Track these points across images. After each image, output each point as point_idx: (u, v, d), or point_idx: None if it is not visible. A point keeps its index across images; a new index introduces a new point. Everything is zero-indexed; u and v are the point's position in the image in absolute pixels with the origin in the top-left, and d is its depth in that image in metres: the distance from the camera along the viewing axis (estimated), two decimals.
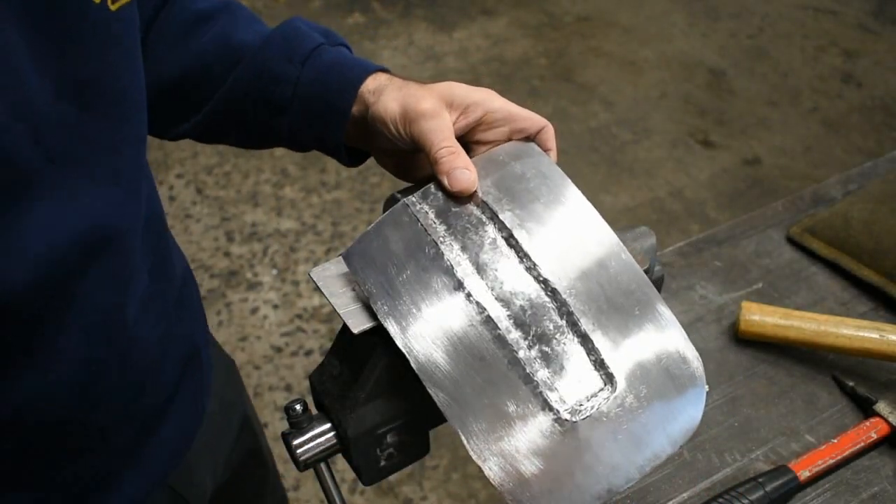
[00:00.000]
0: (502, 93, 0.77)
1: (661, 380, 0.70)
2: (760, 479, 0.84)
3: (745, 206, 2.75)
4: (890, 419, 0.89)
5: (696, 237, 1.15)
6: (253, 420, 1.09)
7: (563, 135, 3.07)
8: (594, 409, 0.68)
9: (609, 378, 0.69)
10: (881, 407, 0.90)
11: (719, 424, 0.92)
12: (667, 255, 1.12)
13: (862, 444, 0.88)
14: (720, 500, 0.83)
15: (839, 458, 0.87)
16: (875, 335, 0.94)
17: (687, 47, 3.53)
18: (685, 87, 3.31)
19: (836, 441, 0.88)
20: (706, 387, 0.71)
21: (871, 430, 0.89)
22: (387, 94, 0.73)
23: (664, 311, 0.72)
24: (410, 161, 0.81)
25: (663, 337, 0.71)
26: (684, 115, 3.19)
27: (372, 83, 0.75)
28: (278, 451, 2.13)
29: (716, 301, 1.06)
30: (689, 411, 0.70)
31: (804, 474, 0.85)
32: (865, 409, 0.92)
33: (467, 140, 0.76)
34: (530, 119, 0.77)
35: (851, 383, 0.95)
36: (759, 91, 3.29)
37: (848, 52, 3.49)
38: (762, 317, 0.98)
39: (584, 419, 0.67)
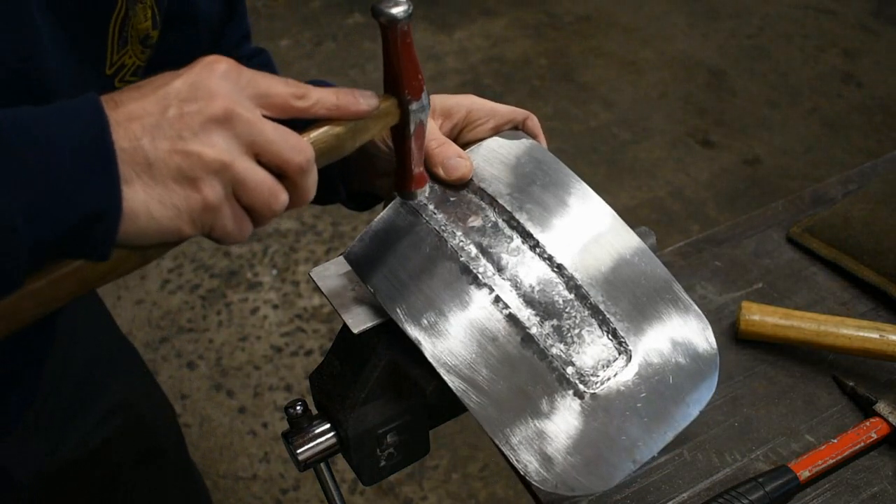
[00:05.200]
0: (502, 93, 0.78)
1: (674, 346, 0.70)
2: (760, 479, 0.84)
3: (745, 206, 2.74)
4: (890, 419, 0.89)
5: (696, 237, 1.15)
6: (150, 415, 1.09)
7: (563, 135, 3.07)
8: (611, 380, 0.68)
9: (623, 347, 0.69)
10: (881, 407, 0.90)
11: (719, 424, 0.92)
12: (667, 255, 1.12)
13: (862, 444, 0.88)
14: (720, 500, 0.83)
15: (839, 458, 0.87)
16: (875, 335, 0.94)
17: (687, 47, 3.53)
18: (685, 87, 3.31)
19: (836, 441, 0.88)
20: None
21: (871, 430, 0.89)
22: None
23: (668, 277, 0.73)
24: None
25: (671, 304, 0.72)
26: (684, 115, 3.19)
27: None
28: (278, 450, 2.14)
29: (716, 301, 1.06)
30: (705, 376, 0.70)
31: (804, 474, 0.85)
32: (865, 409, 0.92)
33: (457, 143, 0.77)
34: (513, 111, 0.79)
35: (851, 383, 0.95)
36: (759, 91, 3.29)
37: (848, 52, 3.49)
38: (762, 317, 0.98)
39: (602, 391, 0.68)
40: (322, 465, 0.75)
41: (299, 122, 0.57)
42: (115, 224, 0.48)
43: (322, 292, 0.73)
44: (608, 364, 0.69)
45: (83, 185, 0.47)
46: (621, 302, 0.71)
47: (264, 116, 0.54)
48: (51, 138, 0.47)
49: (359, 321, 0.71)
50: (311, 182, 0.57)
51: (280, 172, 0.55)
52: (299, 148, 0.55)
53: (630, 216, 2.80)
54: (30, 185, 0.45)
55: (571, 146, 3.02)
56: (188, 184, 0.50)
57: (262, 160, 0.54)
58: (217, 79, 0.52)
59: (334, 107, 0.59)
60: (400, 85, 0.63)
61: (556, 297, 0.70)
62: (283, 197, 0.55)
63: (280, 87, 0.55)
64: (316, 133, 0.59)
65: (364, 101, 0.60)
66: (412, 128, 0.66)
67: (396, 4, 0.59)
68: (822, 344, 0.96)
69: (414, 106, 0.64)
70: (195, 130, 0.50)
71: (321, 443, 0.73)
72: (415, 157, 0.69)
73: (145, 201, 0.49)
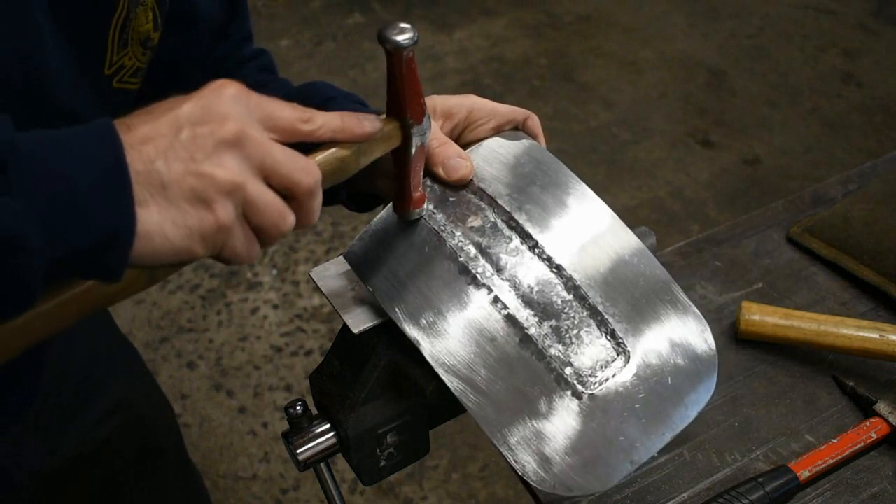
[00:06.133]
0: (502, 93, 0.78)
1: (672, 347, 0.70)
2: (760, 479, 0.84)
3: (745, 206, 2.74)
4: (890, 419, 0.89)
5: (696, 237, 1.15)
6: (150, 414, 1.10)
7: (563, 135, 3.07)
8: (609, 381, 0.68)
9: (621, 348, 0.69)
10: (881, 407, 0.90)
11: (719, 424, 0.92)
12: (667, 255, 1.12)
13: (862, 444, 0.88)
14: (720, 500, 0.83)
15: (839, 458, 0.87)
16: (875, 335, 0.94)
17: (687, 47, 3.53)
18: (685, 87, 3.31)
19: (836, 441, 0.88)
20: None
21: (871, 430, 0.89)
22: None
23: (667, 278, 0.73)
24: None
25: (670, 305, 0.72)
26: (684, 115, 3.18)
27: None
28: (278, 450, 2.14)
29: (716, 301, 1.06)
30: (703, 377, 0.70)
31: (804, 474, 0.85)
32: (865, 409, 0.92)
33: (458, 143, 0.77)
34: (514, 111, 0.79)
35: (851, 383, 0.95)
36: (759, 91, 3.29)
37: (848, 52, 3.49)
38: (762, 317, 0.98)
39: (600, 391, 0.67)
40: (322, 465, 0.75)
41: (303, 146, 0.58)
42: (129, 245, 0.49)
43: (322, 292, 0.73)
44: (606, 365, 0.69)
45: (99, 207, 0.47)
46: (620, 303, 0.71)
47: (272, 140, 0.55)
48: (67, 163, 0.47)
49: (359, 321, 0.71)
50: (318, 204, 0.58)
51: (288, 194, 0.55)
52: (307, 170, 0.55)
53: (630, 216, 2.81)
54: (47, 209, 0.46)
55: (571, 146, 3.02)
56: (202, 205, 0.51)
57: (271, 182, 0.54)
58: (227, 102, 0.53)
59: (339, 129, 0.60)
60: (403, 109, 0.65)
61: (555, 298, 0.70)
62: (291, 218, 0.56)
63: (287, 112, 0.56)
64: (322, 156, 0.60)
65: (368, 123, 0.61)
66: (413, 150, 0.67)
67: (402, 32, 0.60)
68: (822, 344, 0.96)
69: (416, 129, 0.66)
70: (208, 152, 0.51)
71: (321, 443, 0.73)
72: (415, 178, 0.69)
73: (159, 222, 0.50)
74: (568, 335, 0.69)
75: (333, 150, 0.61)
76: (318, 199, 0.57)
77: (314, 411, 0.76)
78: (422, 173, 0.70)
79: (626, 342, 0.69)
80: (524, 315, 0.69)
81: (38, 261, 0.46)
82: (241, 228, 0.54)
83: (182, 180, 0.50)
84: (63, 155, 0.47)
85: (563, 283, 0.71)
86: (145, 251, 0.50)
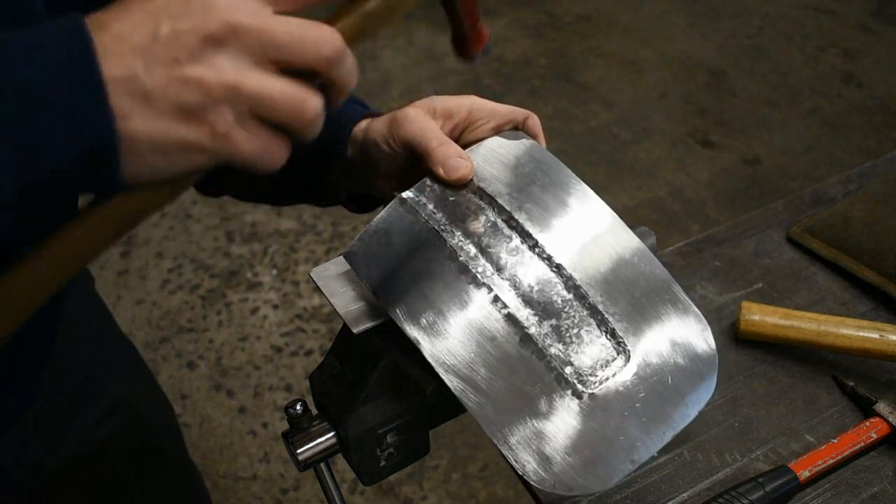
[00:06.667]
0: (502, 93, 0.78)
1: (672, 347, 0.70)
2: (760, 479, 0.84)
3: (745, 206, 2.75)
4: (890, 419, 0.89)
5: (696, 237, 1.15)
6: (150, 415, 1.09)
7: (563, 135, 3.07)
8: (610, 380, 0.68)
9: (622, 347, 0.69)
10: (881, 407, 0.90)
11: (719, 424, 0.92)
12: (667, 255, 1.12)
13: (862, 444, 0.88)
14: (720, 500, 0.83)
15: (839, 458, 0.87)
16: (875, 335, 0.94)
17: (687, 47, 3.53)
18: (685, 87, 3.32)
19: (836, 441, 0.88)
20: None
21: (871, 430, 0.89)
22: (374, 123, 0.76)
23: (667, 278, 0.73)
24: (413, 176, 0.82)
25: (670, 304, 0.72)
26: (684, 115, 3.19)
27: (361, 124, 0.79)
28: (278, 450, 2.14)
29: (716, 301, 1.06)
30: (704, 376, 0.70)
31: (804, 474, 0.85)
32: (865, 409, 0.92)
33: (458, 143, 0.77)
34: (514, 111, 0.79)
35: (851, 383, 0.95)
36: (759, 91, 3.29)
37: (848, 52, 3.49)
38: (762, 317, 0.98)
39: (600, 391, 0.67)
40: (322, 465, 0.75)
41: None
42: (116, 161, 0.43)
43: (322, 292, 0.73)
44: (607, 364, 0.69)
45: (71, 122, 0.42)
46: (620, 302, 0.71)
47: (278, 13, 0.47)
48: (29, 73, 0.41)
49: (359, 321, 0.71)
50: (348, 70, 0.49)
51: (309, 72, 0.48)
52: (322, 40, 0.47)
53: (630, 216, 2.81)
54: (9, 128, 0.41)
55: (571, 146, 3.02)
56: (192, 116, 0.44)
57: (282, 66, 0.47)
58: None
59: None
60: None
61: (555, 297, 0.70)
62: (313, 101, 0.48)
63: None
64: (344, 19, 0.51)
65: None
66: None
67: None
68: (822, 344, 0.96)
69: None
70: (193, 52, 0.44)
71: (321, 443, 0.73)
72: (470, 16, 0.63)
73: (148, 135, 0.44)
74: (568, 334, 0.69)
75: (358, 6, 0.52)
76: (347, 63, 0.48)
77: (314, 411, 0.76)
78: (477, 10, 0.64)
79: (626, 341, 0.69)
80: (524, 314, 0.69)
81: (6, 188, 0.41)
82: (245, 132, 0.46)
83: (166, 88, 0.43)
84: (24, 62, 0.41)
85: (563, 282, 0.71)
86: (141, 168, 0.44)
